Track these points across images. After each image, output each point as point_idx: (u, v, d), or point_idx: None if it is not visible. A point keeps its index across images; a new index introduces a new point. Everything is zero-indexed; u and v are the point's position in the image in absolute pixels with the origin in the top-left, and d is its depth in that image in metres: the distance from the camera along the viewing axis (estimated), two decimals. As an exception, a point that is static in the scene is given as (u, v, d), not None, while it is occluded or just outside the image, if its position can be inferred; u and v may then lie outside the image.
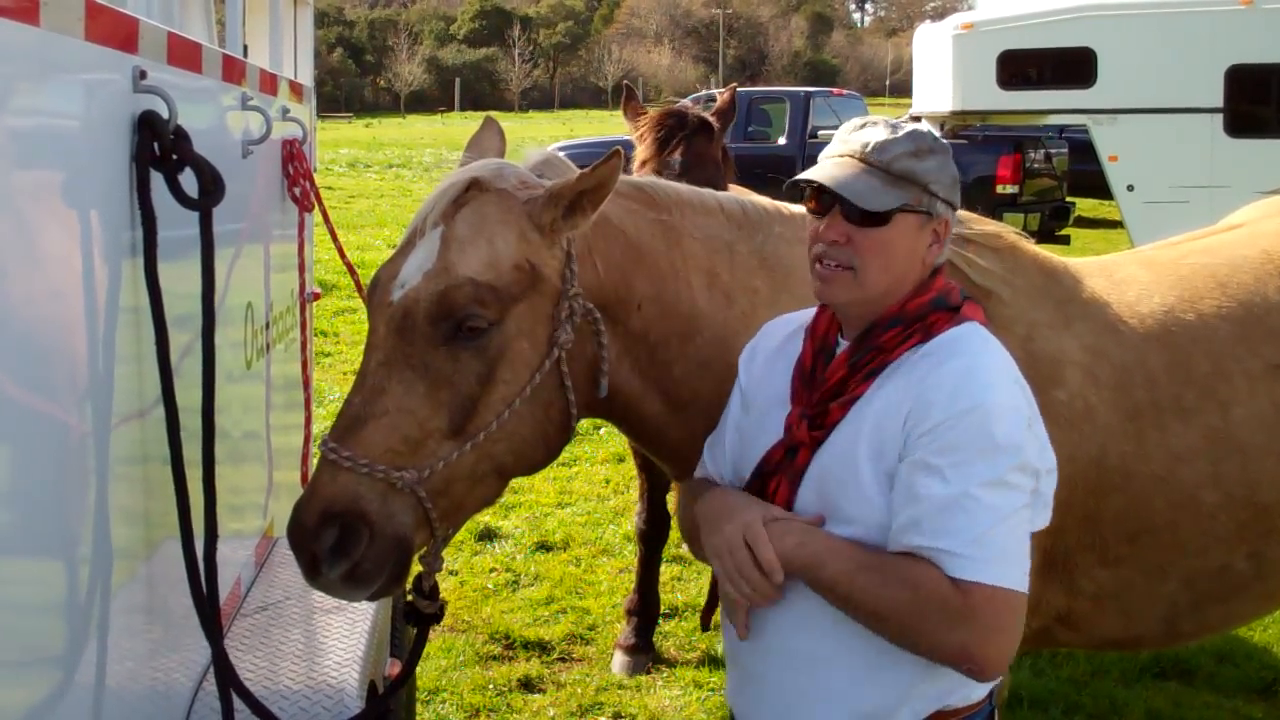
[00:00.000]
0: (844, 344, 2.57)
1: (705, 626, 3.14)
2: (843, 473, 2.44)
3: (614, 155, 2.64)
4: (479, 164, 2.85)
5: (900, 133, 2.50)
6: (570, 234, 2.77)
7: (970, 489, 2.30)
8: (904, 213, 2.46)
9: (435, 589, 2.87)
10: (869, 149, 2.49)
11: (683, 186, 3.21)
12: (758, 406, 2.67)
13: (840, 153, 2.54)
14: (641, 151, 5.70)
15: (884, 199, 2.44)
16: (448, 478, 2.61)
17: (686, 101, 6.46)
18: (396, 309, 2.63)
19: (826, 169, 2.52)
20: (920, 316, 2.49)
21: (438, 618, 2.91)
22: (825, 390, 2.50)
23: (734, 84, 6.74)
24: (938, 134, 2.56)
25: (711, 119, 5.82)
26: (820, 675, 2.49)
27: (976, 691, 2.50)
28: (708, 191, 3.24)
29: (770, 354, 2.73)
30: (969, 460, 2.31)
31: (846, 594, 2.36)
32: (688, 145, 5.63)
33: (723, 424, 2.78)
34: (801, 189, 2.58)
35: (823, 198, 2.51)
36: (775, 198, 3.35)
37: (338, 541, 2.53)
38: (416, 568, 2.77)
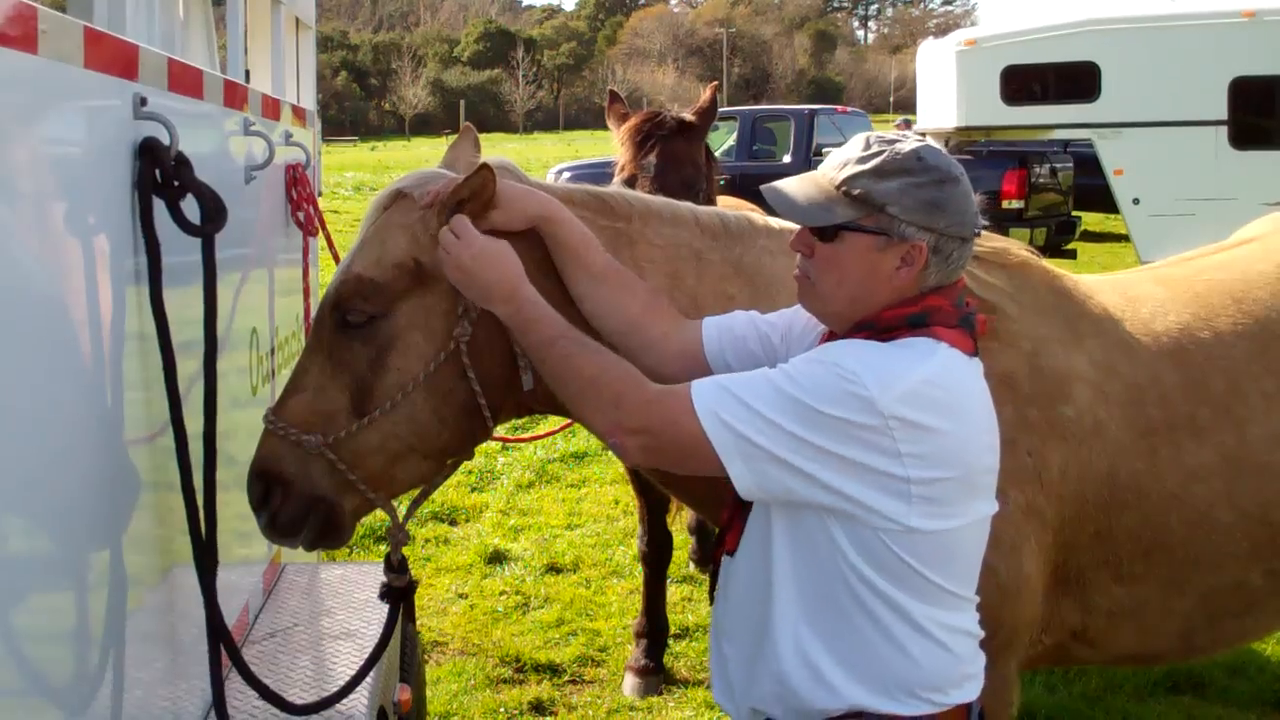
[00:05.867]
0: None
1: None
2: None
3: (482, 168, 2.84)
4: (411, 175, 3.09)
5: (873, 151, 2.51)
6: None
7: (769, 373, 2.45)
8: (854, 232, 2.49)
9: (404, 562, 3.11)
10: (830, 167, 2.56)
11: (654, 199, 3.31)
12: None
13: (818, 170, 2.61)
14: (620, 156, 5.73)
15: (820, 215, 2.51)
16: (356, 449, 2.87)
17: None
18: (321, 302, 2.97)
19: (784, 183, 2.61)
20: (891, 327, 2.50)
21: (409, 591, 3.15)
22: None
23: (714, 82, 6.74)
24: (940, 152, 2.53)
25: (691, 119, 5.81)
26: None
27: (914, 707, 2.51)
28: (685, 205, 3.30)
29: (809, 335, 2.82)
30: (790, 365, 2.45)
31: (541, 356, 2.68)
32: (663, 147, 5.63)
33: (750, 332, 2.86)
34: None
35: None
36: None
37: (262, 495, 2.89)
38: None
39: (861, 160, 2.50)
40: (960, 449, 2.42)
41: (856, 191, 2.48)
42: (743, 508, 2.63)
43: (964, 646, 2.57)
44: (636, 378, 2.57)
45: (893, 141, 2.53)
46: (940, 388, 2.40)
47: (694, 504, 3.51)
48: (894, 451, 2.36)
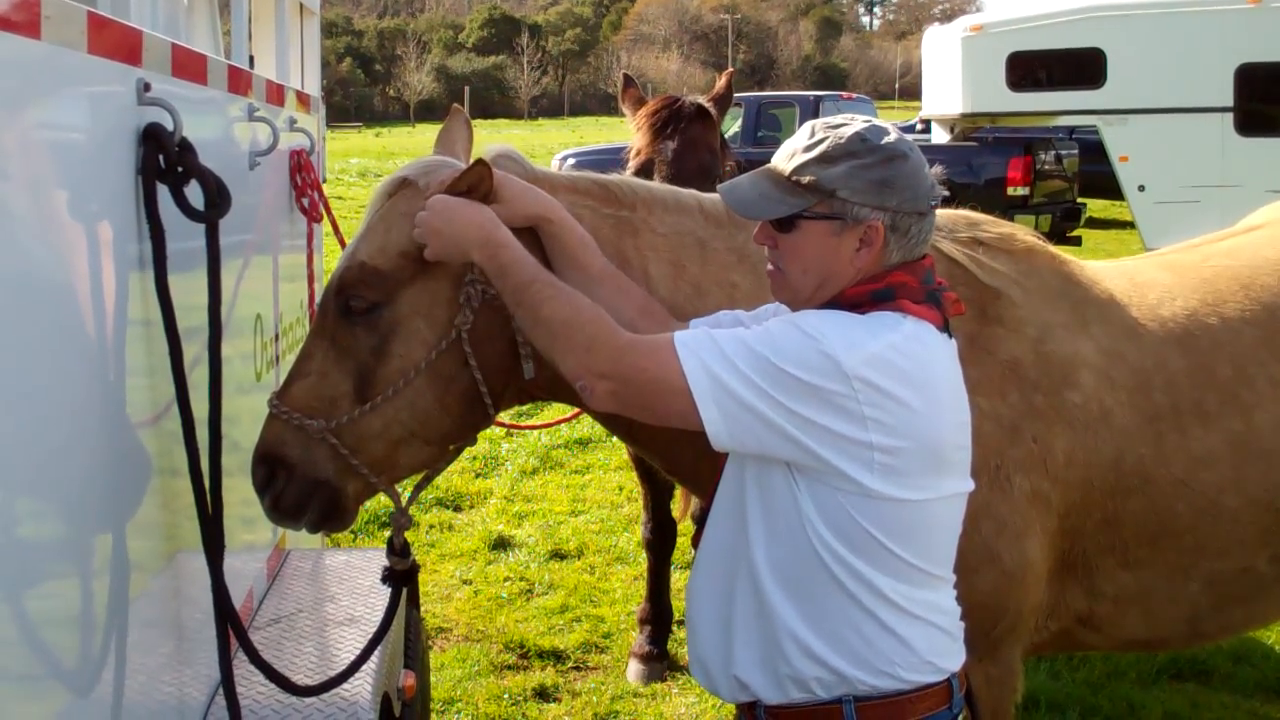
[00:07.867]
0: None
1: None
2: None
3: (478, 163, 2.85)
4: (415, 163, 3.10)
5: (818, 138, 2.54)
6: None
7: (744, 335, 2.47)
8: (810, 219, 2.52)
9: (406, 546, 3.13)
10: (780, 159, 2.59)
11: (656, 186, 3.30)
12: None
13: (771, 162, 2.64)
14: (637, 140, 5.71)
15: (773, 208, 2.55)
16: (359, 434, 2.90)
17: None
18: (325, 289, 2.98)
19: (737, 180, 2.65)
20: (857, 303, 2.51)
21: (411, 575, 3.18)
22: None
23: (730, 69, 6.72)
24: (891, 133, 2.54)
25: (708, 105, 5.79)
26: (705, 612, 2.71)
27: (894, 682, 2.52)
28: (690, 192, 3.29)
29: None
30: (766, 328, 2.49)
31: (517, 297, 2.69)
32: (681, 132, 5.62)
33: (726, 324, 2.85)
34: None
35: None
36: None
37: (266, 478, 2.93)
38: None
39: (808, 148, 2.54)
40: (924, 421, 2.43)
41: (806, 179, 2.51)
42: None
43: (942, 621, 2.58)
44: (609, 324, 2.59)
45: (837, 126, 2.56)
46: (906, 356, 2.42)
47: (678, 473, 3.49)
48: (859, 415, 2.38)
